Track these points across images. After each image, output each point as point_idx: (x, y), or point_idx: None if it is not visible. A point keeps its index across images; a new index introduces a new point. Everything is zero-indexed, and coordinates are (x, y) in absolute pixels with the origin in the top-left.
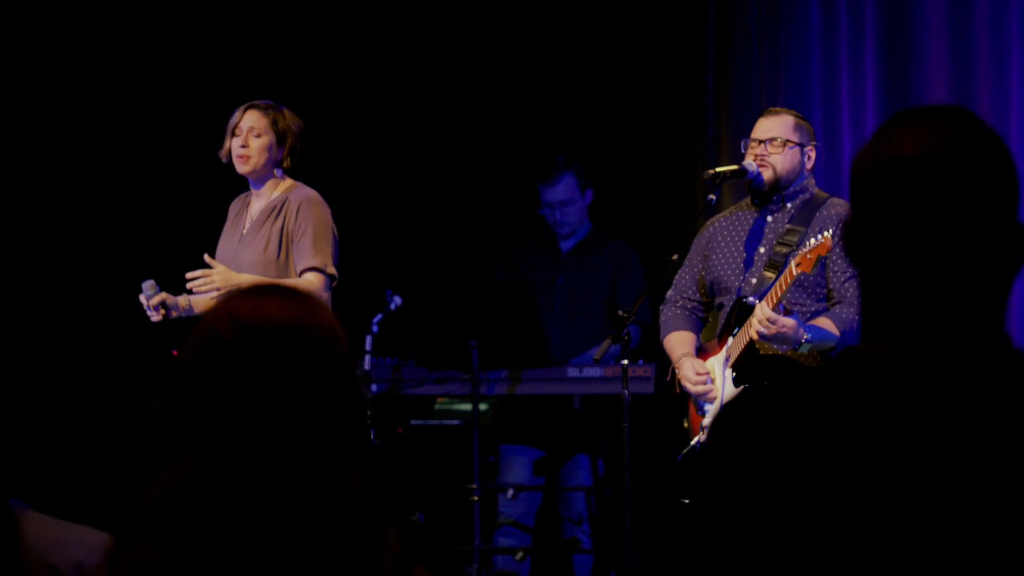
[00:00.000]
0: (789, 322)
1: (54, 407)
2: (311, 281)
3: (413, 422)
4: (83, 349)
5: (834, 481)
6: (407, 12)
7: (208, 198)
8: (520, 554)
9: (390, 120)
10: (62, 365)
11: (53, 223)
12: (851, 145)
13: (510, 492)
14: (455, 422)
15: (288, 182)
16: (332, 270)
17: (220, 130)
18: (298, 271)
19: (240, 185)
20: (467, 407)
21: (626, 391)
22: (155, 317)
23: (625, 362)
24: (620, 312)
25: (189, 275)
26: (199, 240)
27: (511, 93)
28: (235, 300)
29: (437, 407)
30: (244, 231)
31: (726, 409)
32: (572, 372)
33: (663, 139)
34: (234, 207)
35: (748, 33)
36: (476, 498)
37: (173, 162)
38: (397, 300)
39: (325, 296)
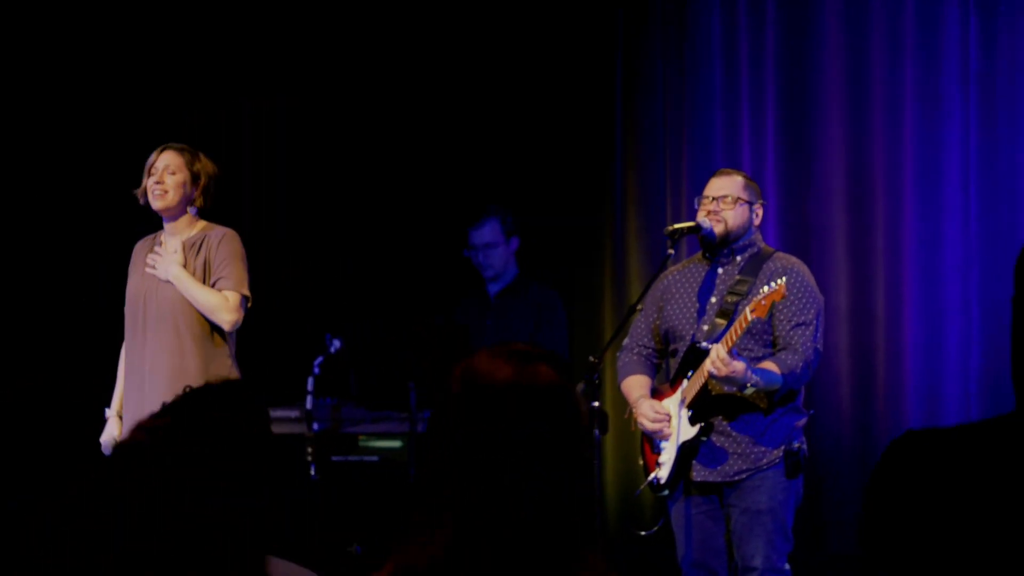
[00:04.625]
0: (739, 365)
1: (54, 408)
2: (228, 297)
3: (334, 458)
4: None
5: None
6: (362, 54)
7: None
8: None
9: (328, 163)
10: (61, 366)
11: (53, 223)
12: None
13: None
14: (374, 458)
15: (203, 222)
16: (247, 292)
17: (226, 130)
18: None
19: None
20: (385, 444)
21: (596, 431)
22: None
23: (596, 404)
24: (591, 358)
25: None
26: None
27: (439, 147)
28: (472, 362)
29: (360, 444)
30: None
31: (890, 454)
32: None
33: (574, 191)
34: (142, 247)
35: (654, 89)
36: None
37: None
38: (336, 344)
39: (241, 313)
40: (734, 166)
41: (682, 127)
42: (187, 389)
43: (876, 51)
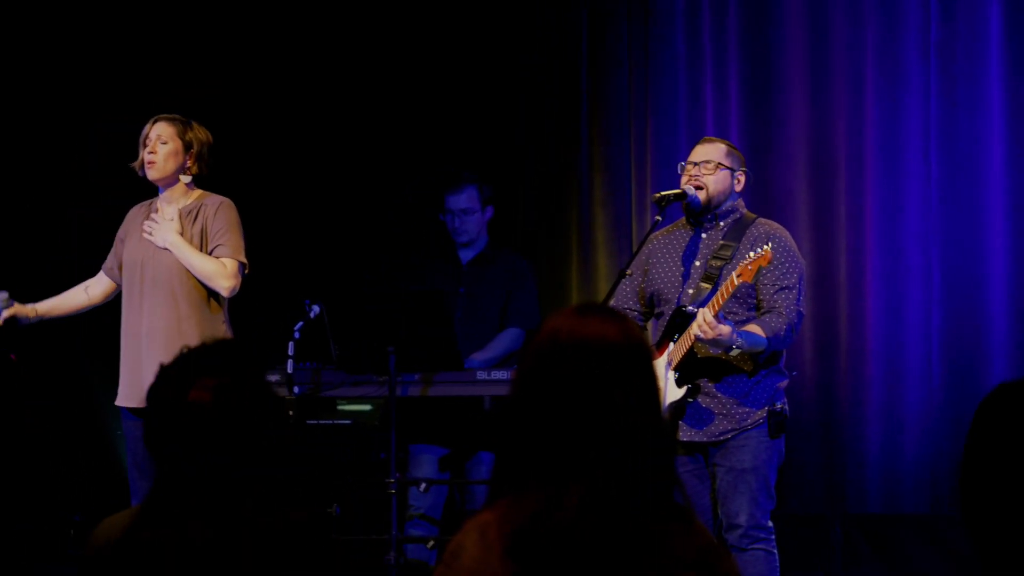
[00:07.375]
0: (725, 328)
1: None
2: (225, 264)
3: (309, 422)
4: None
5: None
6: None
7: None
8: (431, 542)
9: (308, 140)
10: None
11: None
12: None
13: (423, 486)
14: (347, 422)
15: (199, 191)
16: (244, 259)
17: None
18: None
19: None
20: (358, 407)
21: None
22: None
23: None
24: None
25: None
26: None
27: (416, 118)
28: (569, 323)
29: (339, 407)
30: None
31: (985, 408)
32: (481, 375)
33: (544, 161)
34: (137, 212)
35: (619, 62)
36: (393, 491)
37: None
38: (316, 309)
39: (239, 279)
40: (698, 134)
41: (646, 97)
42: (184, 349)
43: (838, 19)
